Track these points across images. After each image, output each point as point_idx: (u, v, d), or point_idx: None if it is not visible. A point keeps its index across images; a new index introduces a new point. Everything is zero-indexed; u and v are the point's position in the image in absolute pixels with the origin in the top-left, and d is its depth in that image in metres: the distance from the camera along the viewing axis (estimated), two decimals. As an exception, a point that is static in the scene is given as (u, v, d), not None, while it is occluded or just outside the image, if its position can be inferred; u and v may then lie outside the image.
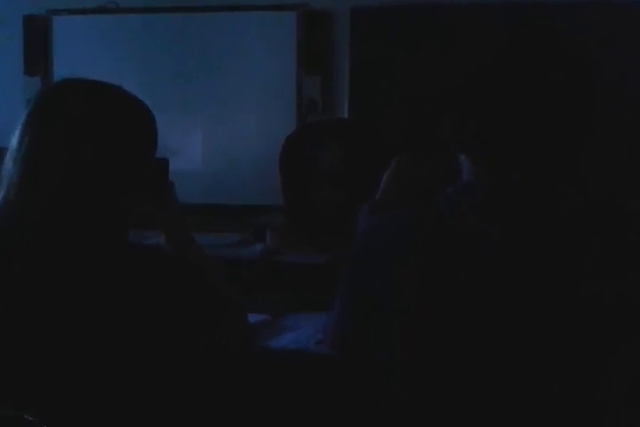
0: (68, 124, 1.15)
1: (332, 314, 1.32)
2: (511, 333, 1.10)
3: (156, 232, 1.45)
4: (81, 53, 3.20)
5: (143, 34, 3.22)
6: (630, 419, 1.12)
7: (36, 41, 3.24)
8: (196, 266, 1.39)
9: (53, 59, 3.24)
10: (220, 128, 3.21)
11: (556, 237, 1.10)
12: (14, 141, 1.16)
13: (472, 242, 1.10)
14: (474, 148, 1.14)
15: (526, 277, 1.10)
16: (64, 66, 3.20)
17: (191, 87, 3.21)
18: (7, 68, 3.30)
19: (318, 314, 1.76)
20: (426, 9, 3.02)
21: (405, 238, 1.15)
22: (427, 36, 2.98)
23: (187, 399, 1.15)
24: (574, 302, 1.09)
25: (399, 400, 1.20)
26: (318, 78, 3.13)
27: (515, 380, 1.11)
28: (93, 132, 1.15)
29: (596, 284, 1.09)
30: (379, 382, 1.27)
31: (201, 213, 2.74)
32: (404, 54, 3.00)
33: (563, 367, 1.11)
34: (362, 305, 1.22)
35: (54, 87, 1.20)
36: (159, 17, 3.24)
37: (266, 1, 3.12)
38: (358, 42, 3.07)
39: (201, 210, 2.80)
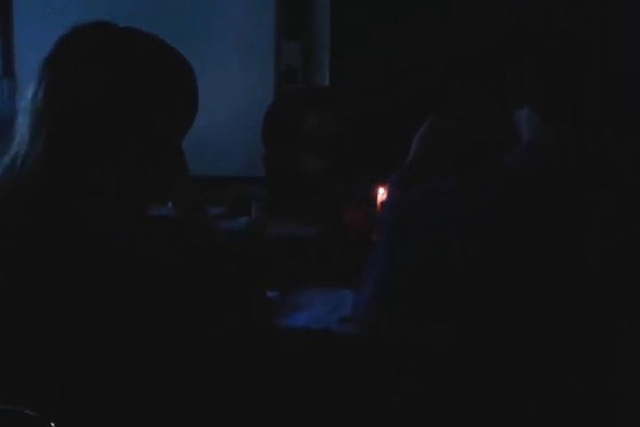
0: (78, 71, 1.06)
1: (364, 291, 1.23)
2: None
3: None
4: (43, 12, 3.01)
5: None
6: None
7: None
8: (208, 232, 1.29)
9: (13, 19, 3.05)
10: (194, 96, 3.06)
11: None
12: (29, 93, 1.04)
13: (541, 201, 1.05)
14: (548, 102, 1.08)
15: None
16: (26, 26, 3.02)
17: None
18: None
19: (328, 290, 1.68)
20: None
21: (462, 204, 1.08)
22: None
23: (207, 378, 1.06)
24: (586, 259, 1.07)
25: (432, 384, 1.14)
26: (298, 44, 3.00)
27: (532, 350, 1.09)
28: (105, 79, 1.05)
29: (609, 238, 1.07)
30: (412, 362, 1.21)
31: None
32: (389, 16, 2.89)
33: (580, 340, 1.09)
34: (404, 279, 1.14)
35: (70, 33, 1.07)
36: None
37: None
38: (339, 4, 2.95)
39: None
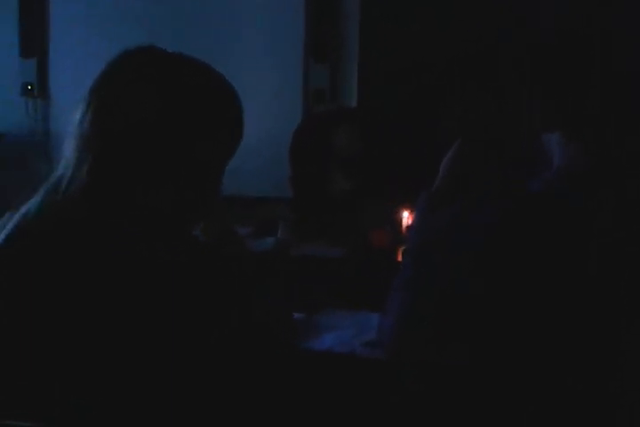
0: (123, 97, 1.07)
1: (389, 315, 1.24)
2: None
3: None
4: (79, 34, 3.08)
5: (143, 18, 3.10)
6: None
7: (33, 21, 3.11)
8: (235, 255, 1.31)
9: (50, 39, 3.11)
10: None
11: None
12: (77, 116, 1.07)
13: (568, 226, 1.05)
14: (548, 102, 1.09)
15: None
16: (61, 47, 3.08)
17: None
18: (2, 50, 3.16)
19: (355, 312, 1.69)
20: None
21: (487, 228, 1.09)
22: (441, 20, 2.88)
23: (223, 395, 1.07)
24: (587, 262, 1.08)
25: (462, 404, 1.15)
26: (326, 66, 3.03)
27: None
28: (150, 105, 1.06)
29: (609, 239, 1.07)
30: (436, 387, 1.21)
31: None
32: (417, 39, 2.90)
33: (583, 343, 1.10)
34: (428, 303, 1.15)
35: (117, 58, 1.09)
36: (159, 1, 3.12)
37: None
38: (368, 28, 2.98)
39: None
